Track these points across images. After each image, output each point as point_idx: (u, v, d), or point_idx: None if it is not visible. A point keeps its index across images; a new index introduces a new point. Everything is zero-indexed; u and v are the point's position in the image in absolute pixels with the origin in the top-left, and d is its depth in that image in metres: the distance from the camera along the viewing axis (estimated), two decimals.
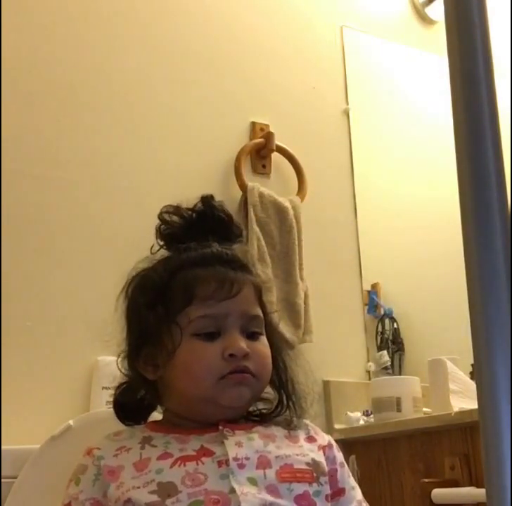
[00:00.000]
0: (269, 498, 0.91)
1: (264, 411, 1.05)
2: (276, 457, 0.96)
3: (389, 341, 2.36)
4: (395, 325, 2.38)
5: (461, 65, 0.55)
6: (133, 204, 2.04)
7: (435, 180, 2.59)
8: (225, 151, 2.23)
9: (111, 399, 1.08)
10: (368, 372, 2.30)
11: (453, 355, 2.00)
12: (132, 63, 2.16)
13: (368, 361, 2.32)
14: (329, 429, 2.07)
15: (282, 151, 2.31)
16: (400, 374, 2.30)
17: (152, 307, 1.01)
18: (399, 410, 1.98)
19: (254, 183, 2.21)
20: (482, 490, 0.88)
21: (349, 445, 2.00)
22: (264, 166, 2.31)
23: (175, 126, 2.18)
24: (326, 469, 0.99)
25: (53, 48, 2.04)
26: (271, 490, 0.92)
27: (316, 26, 2.55)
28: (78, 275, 1.92)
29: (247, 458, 0.94)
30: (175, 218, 1.07)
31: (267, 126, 2.32)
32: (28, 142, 1.94)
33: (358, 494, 1.03)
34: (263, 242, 2.14)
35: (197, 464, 0.93)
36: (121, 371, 1.05)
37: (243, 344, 0.98)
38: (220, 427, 0.98)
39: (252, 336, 1.01)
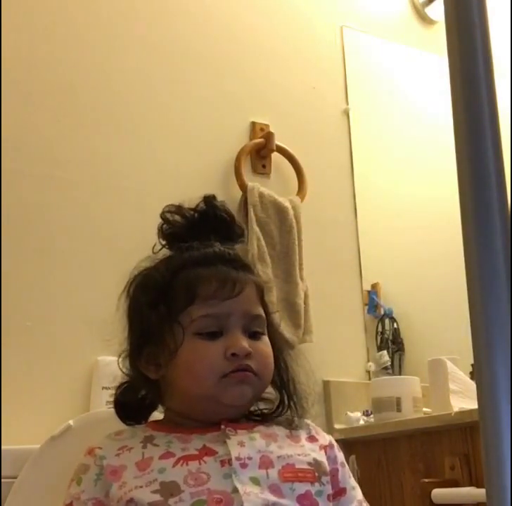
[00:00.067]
0: (272, 498, 0.91)
1: (265, 411, 1.05)
2: (278, 457, 0.96)
3: (389, 341, 2.36)
4: (395, 325, 2.39)
5: (461, 65, 0.55)
6: (134, 204, 2.04)
7: (435, 180, 2.59)
8: (225, 151, 2.23)
9: (111, 399, 1.08)
10: (368, 372, 2.30)
11: (453, 355, 2.00)
12: (132, 63, 2.16)
13: (368, 361, 2.32)
14: (329, 429, 2.07)
15: (282, 151, 2.31)
16: (400, 374, 2.30)
17: (154, 306, 1.01)
18: (399, 410, 1.98)
19: (254, 183, 2.21)
20: (482, 490, 0.88)
21: (349, 445, 2.00)
22: (264, 166, 2.31)
23: (175, 126, 2.18)
24: (328, 468, 0.99)
25: (53, 48, 2.04)
26: (274, 489, 0.92)
27: (316, 26, 2.55)
28: (78, 275, 1.92)
29: (249, 458, 0.94)
30: (177, 217, 1.07)
31: (267, 126, 2.32)
32: (28, 142, 1.94)
33: (358, 494, 1.04)
34: (263, 242, 2.14)
35: (200, 463, 0.93)
36: (122, 371, 1.05)
37: (245, 343, 0.98)
38: (222, 427, 0.98)
39: (254, 335, 1.01)
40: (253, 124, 2.32)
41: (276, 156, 2.32)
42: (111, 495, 0.93)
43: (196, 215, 1.07)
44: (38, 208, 1.91)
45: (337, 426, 2.11)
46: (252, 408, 1.05)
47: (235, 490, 0.90)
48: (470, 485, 1.67)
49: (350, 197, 2.45)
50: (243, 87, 2.34)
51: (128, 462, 0.95)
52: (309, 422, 1.06)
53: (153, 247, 1.07)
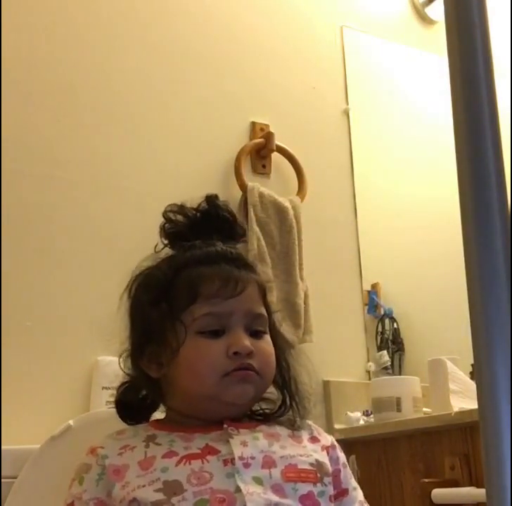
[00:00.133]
0: (275, 498, 0.91)
1: (267, 411, 1.05)
2: (281, 457, 0.96)
3: (389, 341, 2.36)
4: (395, 325, 2.39)
5: (461, 65, 0.55)
6: (134, 204, 2.04)
7: (435, 180, 2.59)
8: (225, 151, 2.23)
9: (111, 399, 1.08)
10: (368, 372, 2.30)
11: (453, 355, 2.00)
12: (132, 63, 2.16)
13: (368, 361, 2.32)
14: (329, 429, 2.07)
15: (282, 151, 2.31)
16: (400, 374, 2.30)
17: (156, 305, 1.01)
18: (399, 410, 1.98)
19: (254, 183, 2.21)
20: (482, 490, 0.88)
21: (349, 445, 2.00)
22: (264, 166, 2.31)
23: (175, 126, 2.18)
24: (330, 469, 0.99)
25: (53, 48, 2.04)
26: (277, 489, 0.92)
27: (316, 26, 2.55)
28: (78, 275, 1.92)
29: (252, 457, 0.94)
30: (179, 217, 1.07)
31: (267, 126, 2.32)
32: (28, 142, 1.94)
33: (359, 495, 1.04)
34: (263, 242, 2.14)
35: (203, 462, 0.93)
36: (123, 370, 1.04)
37: (247, 342, 0.98)
38: (225, 426, 0.98)
39: (256, 334, 1.01)
40: (253, 124, 2.32)
41: (276, 156, 2.32)
42: (114, 494, 0.93)
43: (198, 214, 1.07)
44: (38, 208, 1.91)
45: (337, 426, 2.11)
46: (254, 408, 1.05)
47: (238, 489, 0.90)
48: (470, 485, 1.67)
49: (350, 197, 2.45)
50: (243, 87, 2.34)
51: (130, 462, 0.95)
52: (310, 422, 1.06)
53: (155, 246, 1.07)
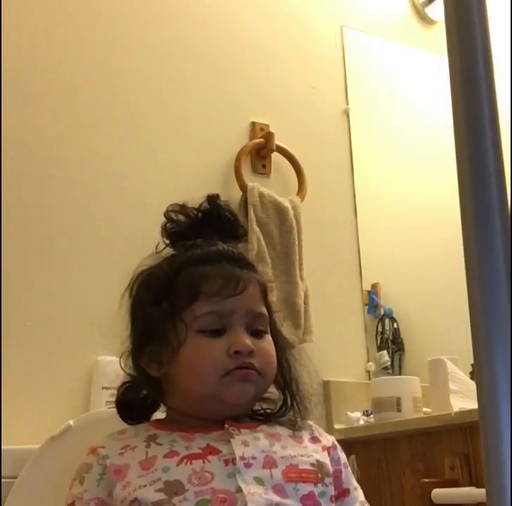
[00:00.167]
0: (276, 498, 0.91)
1: (268, 411, 1.05)
2: (282, 457, 0.95)
3: (389, 341, 2.36)
4: (395, 325, 2.39)
5: (461, 65, 0.55)
6: (134, 204, 2.04)
7: (435, 180, 2.59)
8: (225, 151, 2.23)
9: (111, 399, 1.08)
10: (368, 372, 2.30)
11: (453, 355, 2.00)
12: (132, 63, 2.16)
13: (368, 361, 2.32)
14: (329, 429, 2.07)
15: (282, 151, 2.31)
16: (400, 374, 2.30)
17: (157, 304, 1.01)
18: (399, 410, 1.98)
19: (254, 183, 2.21)
20: (482, 490, 0.88)
21: (349, 445, 2.00)
22: (264, 166, 2.31)
23: (175, 126, 2.19)
24: (331, 470, 0.99)
25: (53, 48, 2.04)
26: (278, 489, 0.92)
27: (316, 26, 2.55)
28: (78, 275, 1.92)
29: (253, 458, 0.94)
30: (181, 217, 1.07)
31: (267, 126, 2.32)
32: (28, 142, 1.94)
33: (360, 495, 1.04)
34: (263, 242, 2.13)
35: (204, 462, 0.93)
36: (124, 370, 1.04)
37: (248, 341, 0.98)
38: (226, 426, 0.98)
39: (257, 334, 1.01)
40: (253, 124, 2.32)
41: (276, 156, 2.32)
42: (115, 495, 0.93)
43: (200, 214, 1.07)
44: (38, 208, 1.91)
45: (337, 426, 2.11)
46: (255, 407, 1.05)
47: (239, 489, 0.90)
48: (470, 485, 1.67)
49: (350, 197, 2.45)
50: (243, 87, 2.34)
51: (131, 461, 0.95)
52: (311, 422, 1.06)
53: (157, 246, 1.07)
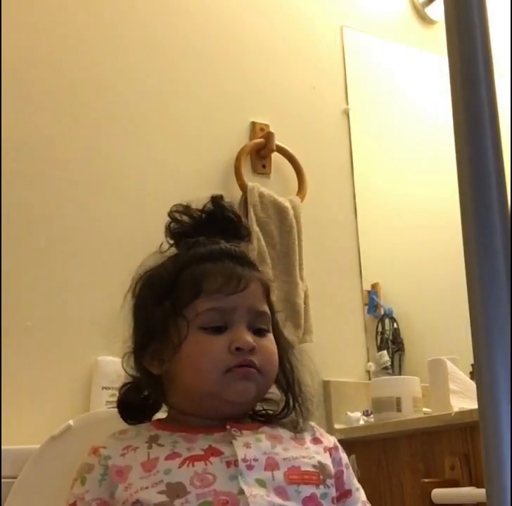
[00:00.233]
0: (278, 500, 0.90)
1: (269, 412, 1.05)
2: (284, 459, 0.95)
3: (389, 341, 2.36)
4: (395, 325, 2.39)
5: (461, 65, 0.55)
6: (134, 204, 2.04)
7: (435, 180, 2.59)
8: (225, 151, 2.23)
9: (111, 399, 1.08)
10: (368, 372, 2.30)
11: (453, 355, 2.00)
12: (132, 63, 2.16)
13: (368, 361, 2.32)
14: (329, 429, 2.07)
15: (282, 151, 2.31)
16: (400, 374, 2.30)
17: (159, 302, 1.01)
18: (399, 410, 1.98)
19: (254, 183, 2.21)
20: (482, 490, 0.88)
21: (349, 445, 2.00)
22: (264, 166, 2.31)
23: (175, 126, 2.19)
24: (333, 471, 0.98)
25: (53, 48, 2.04)
26: (280, 492, 0.92)
27: (316, 26, 2.55)
28: (78, 275, 1.92)
29: (255, 459, 0.93)
30: (185, 217, 1.07)
31: (267, 126, 2.32)
32: (28, 142, 1.94)
33: (362, 495, 1.04)
34: (263, 242, 2.14)
35: (206, 464, 0.93)
36: (125, 370, 1.04)
37: (250, 338, 0.98)
38: (228, 427, 0.97)
39: (259, 332, 1.01)
40: (253, 124, 2.32)
41: (276, 156, 2.32)
42: (116, 496, 0.93)
43: (204, 215, 1.07)
44: (38, 208, 1.91)
45: (337, 426, 2.11)
46: (256, 408, 1.05)
47: (242, 491, 0.90)
48: (470, 485, 1.67)
49: (350, 197, 2.45)
50: (243, 87, 2.34)
51: (133, 463, 0.95)
52: (313, 423, 1.06)
53: (160, 246, 1.07)
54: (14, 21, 1.98)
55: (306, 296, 2.18)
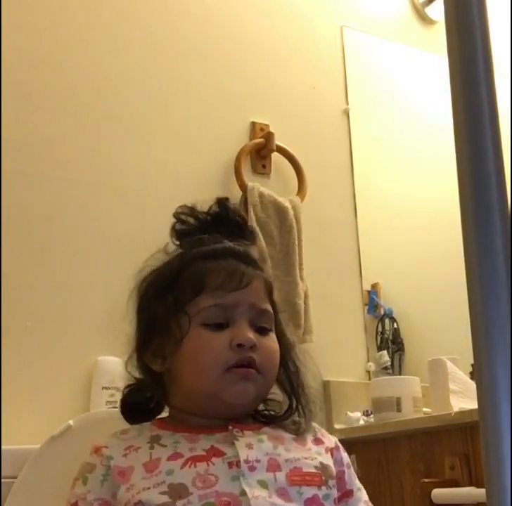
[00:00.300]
0: (280, 502, 0.90)
1: (272, 413, 1.05)
2: (286, 460, 0.95)
3: (389, 341, 2.36)
4: (395, 325, 2.39)
5: (461, 65, 0.55)
6: (134, 204, 2.04)
7: (435, 180, 2.59)
8: (225, 151, 2.23)
9: (111, 399, 1.08)
10: (368, 372, 2.30)
11: (453, 355, 2.00)
12: (132, 63, 2.16)
13: (368, 361, 2.32)
14: (329, 429, 2.07)
15: (282, 151, 2.31)
16: (400, 374, 2.30)
17: (162, 298, 1.01)
18: (399, 410, 1.98)
19: (254, 183, 2.21)
20: (482, 490, 0.88)
21: (349, 445, 1.99)
22: (264, 166, 2.31)
23: (175, 127, 2.19)
24: (334, 472, 0.98)
25: (53, 48, 2.04)
26: (282, 493, 0.91)
27: (316, 26, 2.55)
28: (78, 275, 1.92)
29: (257, 460, 0.93)
30: (190, 219, 1.07)
31: (267, 126, 2.32)
32: (28, 142, 1.94)
33: (364, 495, 1.04)
34: (263, 242, 2.13)
35: (208, 465, 0.92)
36: (129, 372, 1.04)
37: (251, 334, 0.98)
38: (230, 427, 0.97)
39: (261, 331, 1.01)
40: (253, 124, 2.32)
41: (276, 156, 2.32)
42: (119, 497, 0.93)
43: (209, 218, 1.07)
44: (38, 208, 1.91)
45: (337, 426, 2.11)
46: (259, 408, 1.04)
47: (244, 493, 0.89)
48: (470, 485, 1.66)
49: (350, 197, 2.45)
50: (243, 87, 2.34)
51: (135, 463, 0.94)
52: (314, 424, 1.05)
53: (165, 246, 1.07)
54: (14, 21, 1.98)
55: (306, 296, 2.18)
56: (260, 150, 2.29)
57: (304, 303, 2.16)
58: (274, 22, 2.46)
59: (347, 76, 2.56)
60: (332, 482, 0.97)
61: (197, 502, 0.89)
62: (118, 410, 1.07)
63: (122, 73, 2.14)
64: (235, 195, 2.19)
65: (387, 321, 2.38)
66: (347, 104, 2.53)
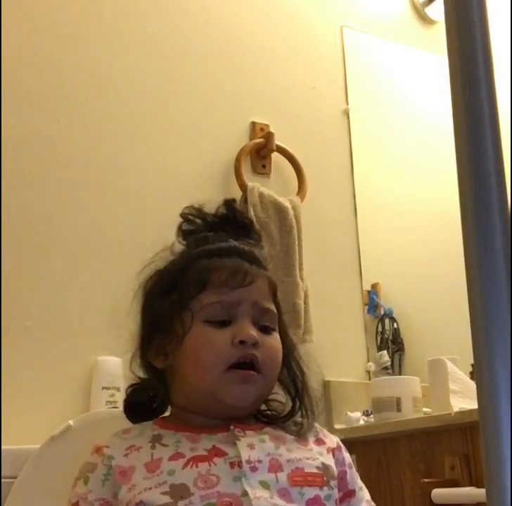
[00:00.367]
0: (281, 502, 0.90)
1: (274, 413, 1.04)
2: (288, 460, 0.95)
3: (389, 341, 2.36)
4: (395, 325, 2.39)
5: (461, 65, 0.55)
6: (134, 204, 2.04)
7: (435, 180, 2.59)
8: (225, 151, 2.23)
9: (111, 399, 1.08)
10: (368, 372, 2.30)
11: (453, 355, 2.00)
12: (132, 63, 2.16)
13: (368, 361, 2.32)
14: (329, 429, 2.05)
15: (282, 151, 2.31)
16: (400, 374, 2.30)
17: (166, 295, 1.01)
18: (399, 410, 1.97)
19: (254, 183, 2.21)
20: (482, 490, 0.87)
21: (349, 445, 1.98)
22: (264, 166, 2.31)
23: (175, 126, 2.19)
24: (336, 472, 0.98)
25: (53, 48, 2.04)
26: (283, 494, 0.91)
27: (316, 26, 2.55)
28: (78, 275, 1.92)
29: (259, 461, 0.93)
30: (197, 220, 1.07)
31: (267, 126, 2.32)
32: (28, 142, 1.94)
33: (366, 494, 1.04)
34: (263, 243, 2.13)
35: (210, 465, 0.92)
36: (133, 372, 1.04)
37: (254, 332, 0.98)
38: (231, 427, 0.97)
39: (264, 330, 1.00)
40: (253, 124, 2.32)
41: (276, 156, 2.32)
42: (120, 497, 0.92)
43: (216, 219, 1.07)
44: (38, 208, 1.91)
45: (337, 426, 2.11)
46: (262, 408, 1.04)
47: (245, 493, 0.89)
48: (470, 485, 1.66)
49: (350, 197, 2.45)
50: (243, 87, 2.34)
51: (137, 463, 0.94)
52: (316, 424, 1.05)
53: (171, 246, 1.07)
54: (14, 21, 1.98)
55: (306, 296, 2.18)
56: (260, 150, 2.29)
57: (304, 303, 2.16)
58: (274, 22, 2.46)
59: (347, 76, 2.56)
60: (333, 482, 0.97)
61: (198, 503, 0.89)
62: (119, 409, 1.07)
63: (122, 73, 2.13)
64: (235, 195, 2.18)
65: (387, 321, 2.38)
66: (347, 104, 2.53)
